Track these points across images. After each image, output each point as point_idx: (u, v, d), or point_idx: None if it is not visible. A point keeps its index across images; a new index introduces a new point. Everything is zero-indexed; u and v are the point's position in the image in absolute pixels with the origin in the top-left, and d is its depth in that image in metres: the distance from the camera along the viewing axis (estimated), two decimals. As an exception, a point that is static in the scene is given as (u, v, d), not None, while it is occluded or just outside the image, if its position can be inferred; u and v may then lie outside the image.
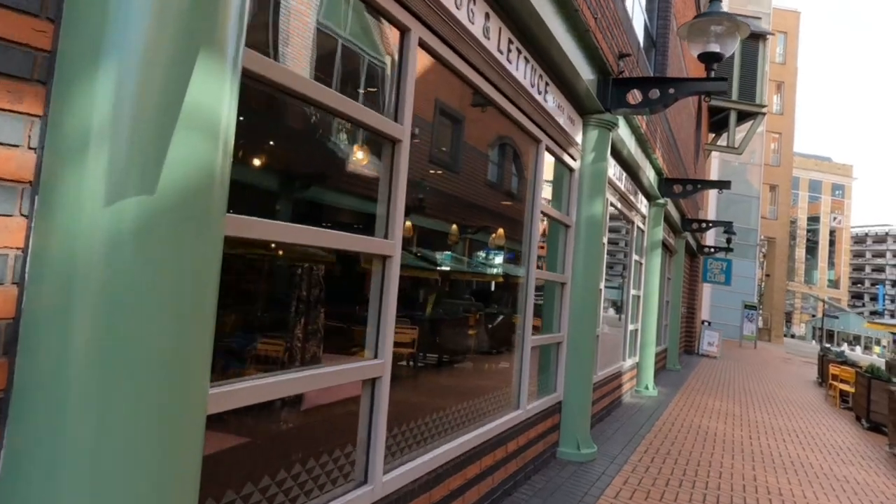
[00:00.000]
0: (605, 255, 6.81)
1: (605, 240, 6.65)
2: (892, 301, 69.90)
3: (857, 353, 36.19)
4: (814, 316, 56.31)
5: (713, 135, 20.06)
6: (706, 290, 24.68)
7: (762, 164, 33.23)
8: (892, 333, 38.58)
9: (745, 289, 29.85)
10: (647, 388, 8.79)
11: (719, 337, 17.93)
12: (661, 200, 9.34)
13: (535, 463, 4.33)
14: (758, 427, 7.65)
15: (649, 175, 8.40)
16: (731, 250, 17.66)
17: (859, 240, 79.18)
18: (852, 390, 10.45)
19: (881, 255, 78.12)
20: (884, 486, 5.44)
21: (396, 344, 2.43)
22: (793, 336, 53.19)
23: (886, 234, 78.57)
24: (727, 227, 16.89)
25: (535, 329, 4.43)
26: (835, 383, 11.24)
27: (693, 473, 5.12)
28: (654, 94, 4.83)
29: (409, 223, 2.76)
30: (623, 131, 6.39)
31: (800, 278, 56.18)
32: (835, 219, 58.67)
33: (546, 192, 4.84)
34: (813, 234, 57.98)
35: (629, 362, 8.33)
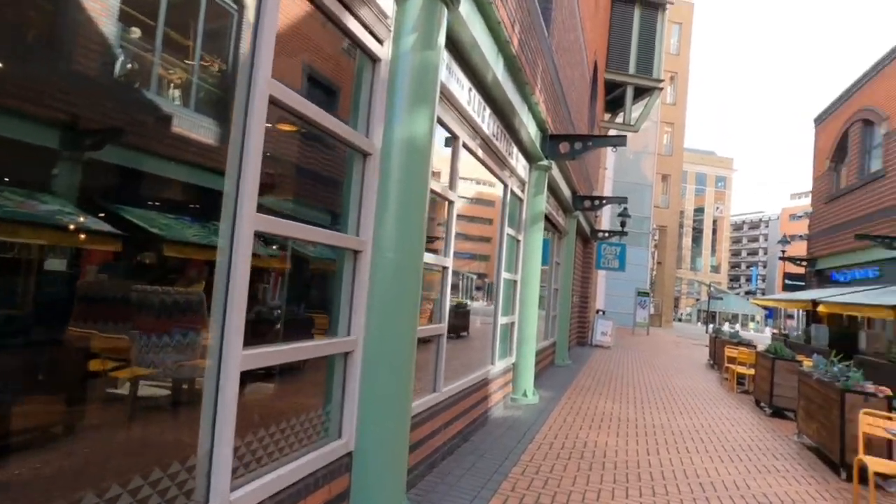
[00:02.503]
0: (455, 217, 4.83)
1: (454, 196, 4.67)
2: (763, 280, 77.91)
3: (745, 332, 38.55)
4: (698, 300, 60.18)
5: (609, 114, 19.31)
6: (600, 278, 24.25)
7: (655, 153, 33.80)
8: (765, 308, 42.10)
9: (638, 276, 30.35)
10: (525, 394, 7.01)
11: (612, 326, 17.13)
12: (545, 162, 7.60)
13: None
14: (655, 434, 6.29)
15: (529, 128, 6.59)
16: (625, 234, 16.85)
17: (737, 227, 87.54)
18: (751, 373, 9.71)
19: (755, 239, 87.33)
20: (807, 497, 4.54)
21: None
22: (679, 319, 56.40)
23: (760, 220, 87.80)
24: (623, 209, 15.99)
25: (266, 333, 2.32)
26: (731, 366, 10.44)
27: (567, 541, 3.32)
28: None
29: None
30: (485, 42, 4.44)
31: (686, 265, 59.52)
32: (717, 209, 62.72)
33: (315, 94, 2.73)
34: (698, 223, 61.63)
35: (501, 365, 6.47)
